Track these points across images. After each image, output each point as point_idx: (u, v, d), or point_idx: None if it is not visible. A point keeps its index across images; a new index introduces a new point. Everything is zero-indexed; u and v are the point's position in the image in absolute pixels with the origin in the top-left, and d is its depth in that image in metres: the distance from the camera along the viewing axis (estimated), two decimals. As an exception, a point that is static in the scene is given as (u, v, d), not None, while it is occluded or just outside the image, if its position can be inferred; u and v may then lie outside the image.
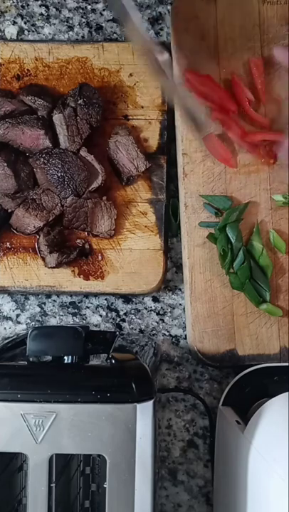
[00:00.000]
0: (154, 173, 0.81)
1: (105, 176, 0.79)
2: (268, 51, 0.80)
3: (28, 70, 0.82)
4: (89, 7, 0.85)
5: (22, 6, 0.85)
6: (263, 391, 0.72)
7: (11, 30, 0.84)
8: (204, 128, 0.76)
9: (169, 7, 0.84)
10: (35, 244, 0.80)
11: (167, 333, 0.83)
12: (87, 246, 0.81)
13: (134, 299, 0.83)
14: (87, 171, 0.78)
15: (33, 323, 0.83)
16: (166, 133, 0.81)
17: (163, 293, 0.83)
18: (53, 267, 0.79)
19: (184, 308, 0.83)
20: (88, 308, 0.83)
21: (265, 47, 0.80)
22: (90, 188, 0.79)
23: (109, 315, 0.83)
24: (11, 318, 0.83)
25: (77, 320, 0.83)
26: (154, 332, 0.83)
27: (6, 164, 0.77)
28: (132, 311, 0.83)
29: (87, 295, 0.83)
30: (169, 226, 0.82)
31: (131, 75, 0.82)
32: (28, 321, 0.83)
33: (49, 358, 0.61)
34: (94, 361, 0.63)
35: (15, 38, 0.84)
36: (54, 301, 0.83)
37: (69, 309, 0.83)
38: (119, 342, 0.72)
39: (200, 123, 0.74)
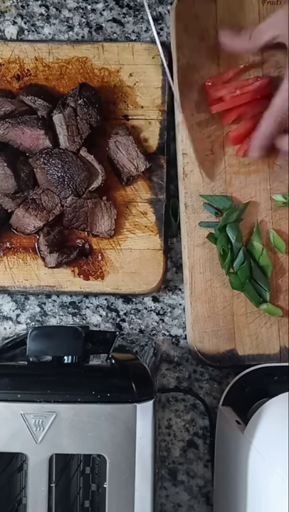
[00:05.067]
0: (154, 173, 0.81)
1: (105, 176, 0.79)
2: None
3: (28, 70, 0.82)
4: (89, 7, 0.85)
5: (22, 6, 0.85)
6: (263, 391, 0.72)
7: (11, 30, 0.84)
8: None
9: (169, 7, 0.84)
10: (35, 244, 0.80)
11: (167, 333, 0.83)
12: (87, 246, 0.81)
13: (134, 299, 0.83)
14: (87, 171, 0.78)
15: (33, 323, 0.83)
16: (166, 133, 0.81)
17: (163, 293, 0.83)
18: (53, 267, 0.79)
19: (183, 308, 0.83)
20: (88, 308, 0.83)
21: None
22: (90, 188, 0.79)
23: (109, 315, 0.83)
24: (11, 318, 0.83)
25: (77, 320, 0.83)
26: (154, 332, 0.83)
27: (6, 164, 0.77)
28: (132, 311, 0.83)
29: (87, 295, 0.83)
30: (169, 226, 0.82)
31: (131, 75, 0.82)
32: (28, 321, 0.83)
33: (49, 358, 0.61)
34: (94, 361, 0.63)
35: (15, 38, 0.84)
36: (54, 301, 0.83)
37: (69, 309, 0.83)
38: (119, 342, 0.72)
39: None
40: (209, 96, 0.79)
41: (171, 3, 0.84)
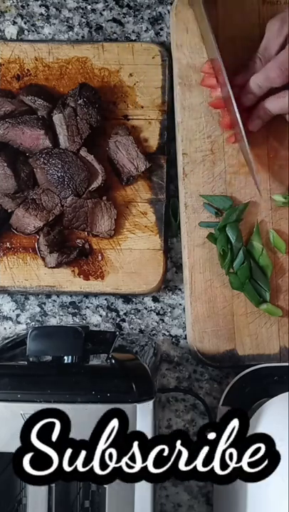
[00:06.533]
0: (154, 173, 0.81)
1: (105, 176, 0.79)
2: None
3: (28, 70, 0.82)
4: (89, 7, 0.85)
5: (22, 6, 0.85)
6: (263, 391, 0.72)
7: (11, 30, 0.84)
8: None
9: (169, 7, 0.84)
10: (35, 244, 0.80)
11: (167, 333, 0.83)
12: (87, 246, 0.81)
13: (134, 299, 0.83)
14: (87, 171, 0.78)
15: (33, 323, 0.83)
16: (166, 133, 0.81)
17: (163, 293, 0.83)
18: (53, 267, 0.79)
19: (183, 308, 0.83)
20: (88, 308, 0.83)
21: (265, 47, 0.80)
22: (90, 188, 0.79)
23: (109, 315, 0.83)
24: (11, 318, 0.83)
25: (77, 320, 0.83)
26: (154, 332, 0.83)
27: (6, 164, 0.77)
28: (132, 311, 0.83)
29: (87, 295, 0.83)
30: (169, 226, 0.82)
31: (131, 75, 0.82)
32: (28, 321, 0.83)
33: (49, 358, 0.61)
34: (94, 361, 0.63)
35: (15, 38, 0.84)
36: (54, 301, 0.83)
37: (69, 309, 0.83)
38: (119, 342, 0.72)
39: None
40: (203, 81, 0.79)
41: (171, 3, 0.84)
